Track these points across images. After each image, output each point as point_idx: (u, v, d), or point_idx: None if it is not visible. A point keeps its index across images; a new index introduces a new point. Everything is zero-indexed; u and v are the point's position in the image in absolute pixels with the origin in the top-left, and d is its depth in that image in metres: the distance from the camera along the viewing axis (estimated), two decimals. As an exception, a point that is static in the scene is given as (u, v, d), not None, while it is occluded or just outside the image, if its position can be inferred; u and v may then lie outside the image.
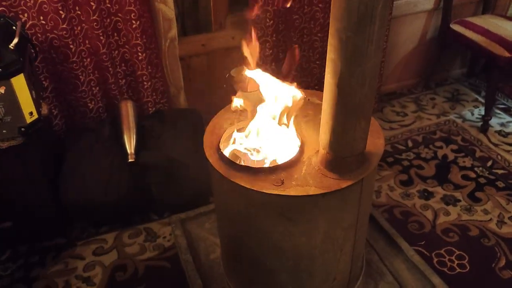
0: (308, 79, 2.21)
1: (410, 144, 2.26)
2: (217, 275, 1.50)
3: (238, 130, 1.10)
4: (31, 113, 1.46)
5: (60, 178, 1.70)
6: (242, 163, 1.03)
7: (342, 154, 0.93)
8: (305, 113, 1.15)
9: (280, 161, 1.01)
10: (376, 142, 1.02)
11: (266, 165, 1.03)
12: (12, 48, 1.37)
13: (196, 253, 1.55)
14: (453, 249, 1.70)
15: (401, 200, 1.93)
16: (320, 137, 0.96)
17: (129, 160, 1.72)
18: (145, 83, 1.98)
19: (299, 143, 1.05)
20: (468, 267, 1.63)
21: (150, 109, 2.04)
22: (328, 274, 1.11)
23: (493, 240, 1.74)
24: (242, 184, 0.95)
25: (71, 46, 1.77)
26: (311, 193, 0.92)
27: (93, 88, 1.93)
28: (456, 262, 1.66)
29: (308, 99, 1.22)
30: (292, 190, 0.93)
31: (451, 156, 2.18)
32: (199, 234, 1.64)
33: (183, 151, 1.78)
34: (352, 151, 0.93)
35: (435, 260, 1.65)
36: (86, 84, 1.89)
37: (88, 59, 1.85)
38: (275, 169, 0.98)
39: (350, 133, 0.89)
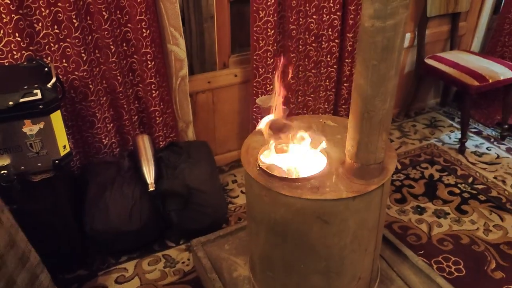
0: (304, 87, 2.39)
1: (399, 166, 2.48)
2: (241, 291, 1.61)
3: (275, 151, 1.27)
4: (64, 146, 1.57)
5: (84, 209, 1.79)
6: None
7: (367, 163, 1.10)
8: (324, 134, 1.33)
9: (313, 173, 1.17)
10: (389, 153, 1.21)
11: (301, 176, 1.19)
12: (50, 87, 1.51)
13: (219, 272, 1.66)
14: (449, 256, 1.88)
15: (398, 216, 2.11)
16: (346, 149, 1.14)
17: (150, 189, 1.83)
18: (157, 118, 2.13)
19: (325, 158, 1.22)
20: (464, 271, 1.81)
21: (161, 142, 2.18)
22: (355, 273, 1.26)
23: (482, 246, 1.93)
24: (283, 193, 1.11)
25: (90, 86, 1.91)
26: (343, 196, 1.09)
27: (108, 125, 2.06)
28: (453, 267, 1.83)
29: (324, 122, 1.40)
30: (327, 195, 1.10)
31: (436, 175, 2.40)
32: (219, 255, 1.75)
33: (199, 179, 1.91)
34: (375, 160, 1.10)
35: (435, 266, 1.82)
36: (102, 121, 2.02)
37: (105, 98, 1.99)
38: (309, 179, 1.14)
39: (374, 144, 1.07)
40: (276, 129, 1.29)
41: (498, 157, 2.56)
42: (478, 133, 2.80)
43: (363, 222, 1.16)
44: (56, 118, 1.50)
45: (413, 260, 1.67)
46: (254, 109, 2.29)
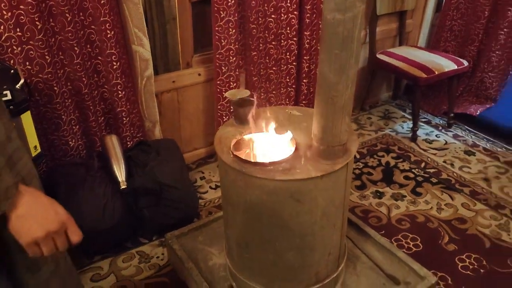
0: (266, 84, 2.48)
1: (357, 156, 2.63)
2: (217, 278, 1.67)
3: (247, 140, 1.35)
4: (35, 147, 1.58)
5: (56, 210, 1.79)
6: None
7: (332, 144, 1.21)
8: (291, 123, 1.43)
9: (283, 157, 1.26)
10: (351, 137, 1.32)
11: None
12: (18, 88, 1.52)
13: (195, 262, 1.72)
14: (407, 233, 2.04)
15: (359, 201, 2.25)
16: (313, 133, 1.24)
17: (121, 187, 1.86)
18: (124, 119, 2.15)
19: (294, 144, 1.32)
20: (421, 246, 1.97)
21: (128, 142, 2.21)
22: (325, 248, 1.36)
23: (436, 223, 2.10)
24: (257, 176, 1.19)
25: (55, 88, 1.91)
26: (312, 176, 1.19)
27: (74, 127, 2.06)
28: (411, 243, 1.99)
29: (290, 112, 1.50)
30: (297, 175, 1.19)
31: (392, 162, 2.57)
32: (194, 246, 1.81)
33: (169, 176, 1.96)
34: (339, 142, 1.21)
35: (395, 244, 1.96)
36: (68, 123, 2.02)
37: (70, 100, 2.00)
38: (280, 163, 1.23)
39: (338, 127, 1.18)
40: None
41: (446, 143, 2.77)
42: (428, 122, 3.01)
43: (331, 199, 1.27)
44: (27, 118, 1.52)
45: (376, 238, 1.80)
46: (219, 107, 2.37)
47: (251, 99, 1.44)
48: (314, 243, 1.32)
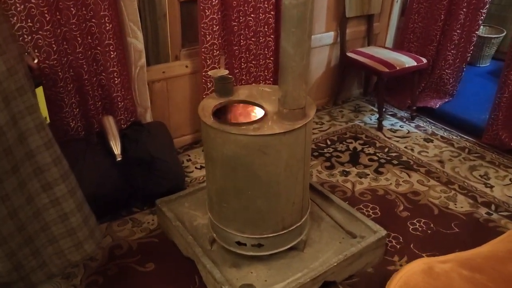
0: (246, 77, 2.78)
1: (328, 142, 2.94)
2: (201, 234, 1.94)
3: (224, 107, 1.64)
4: (45, 118, 1.85)
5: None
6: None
7: (293, 107, 1.50)
8: (262, 97, 1.72)
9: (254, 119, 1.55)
10: (310, 106, 1.62)
11: (244, 123, 1.57)
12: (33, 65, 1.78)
13: (182, 222, 1.98)
14: (368, 204, 2.33)
15: (327, 179, 2.55)
16: (278, 100, 1.53)
17: (118, 159, 2.13)
18: (119, 103, 2.42)
19: (264, 111, 1.61)
20: (380, 213, 2.26)
21: (123, 125, 2.48)
22: (289, 197, 1.65)
23: (393, 195, 2.40)
24: (233, 132, 1.48)
25: (60, 74, 2.19)
26: (277, 132, 1.48)
27: (74, 110, 2.33)
28: (371, 211, 2.28)
29: (262, 89, 1.80)
30: (265, 132, 1.48)
31: (359, 147, 2.88)
32: (181, 210, 2.08)
33: (160, 151, 2.24)
34: (299, 105, 1.50)
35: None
36: (69, 106, 2.29)
37: (72, 85, 2.27)
38: (252, 123, 1.52)
39: (297, 91, 1.48)
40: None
41: (408, 132, 3.09)
42: (394, 115, 3.34)
43: (292, 154, 1.56)
44: (40, 92, 1.78)
45: (337, 202, 2.10)
46: (204, 96, 2.65)
47: (229, 76, 1.73)
48: (279, 191, 1.61)
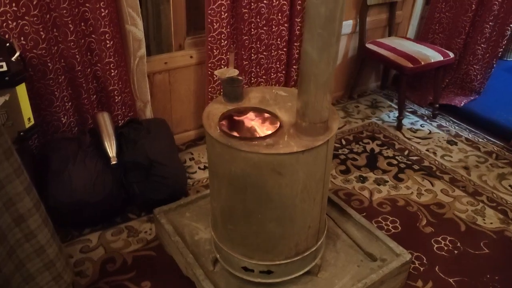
0: (257, 69, 2.54)
1: (344, 142, 2.71)
2: (203, 251, 1.74)
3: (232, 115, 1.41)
4: (29, 119, 1.63)
5: (47, 183, 1.85)
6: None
7: (314, 121, 1.27)
8: (277, 103, 1.49)
9: (268, 133, 1.32)
10: (332, 115, 1.38)
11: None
12: (14, 60, 1.56)
13: (182, 236, 1.78)
14: (387, 216, 2.12)
15: (343, 185, 2.33)
16: (296, 110, 1.30)
17: (112, 162, 1.92)
18: (115, 97, 2.20)
19: (278, 122, 1.38)
20: (400, 228, 2.05)
21: (120, 121, 2.26)
22: (305, 221, 1.43)
23: (415, 207, 2.19)
24: (242, 149, 1.25)
25: (49, 64, 1.96)
26: (294, 150, 1.25)
27: (66, 104, 2.11)
28: (391, 225, 2.07)
29: (276, 93, 1.56)
30: (280, 150, 1.25)
31: (377, 149, 2.65)
32: (181, 221, 1.88)
33: (159, 152, 2.02)
34: (321, 119, 1.28)
35: (375, 225, 2.04)
36: (61, 99, 2.07)
37: (63, 76, 2.04)
38: (265, 138, 1.30)
39: (320, 103, 1.24)
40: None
41: (430, 132, 2.85)
42: (414, 113, 3.09)
43: (311, 174, 1.33)
44: (22, 90, 1.56)
45: (356, 218, 1.88)
46: (209, 89, 2.42)
47: (240, 78, 1.50)
48: (295, 215, 1.39)
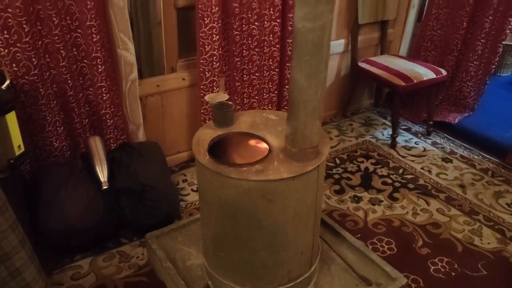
0: (249, 89, 2.55)
1: (338, 161, 2.70)
2: (195, 277, 1.71)
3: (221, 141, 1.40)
4: (19, 147, 1.61)
5: (38, 209, 1.83)
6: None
7: (304, 147, 1.26)
8: (267, 127, 1.48)
9: (257, 159, 1.31)
10: (323, 140, 1.38)
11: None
12: (4, 88, 1.55)
13: (173, 261, 1.75)
14: (383, 237, 2.10)
15: (337, 205, 2.31)
16: (286, 136, 1.29)
17: (103, 188, 1.90)
18: (108, 121, 2.19)
19: (268, 147, 1.37)
20: (396, 249, 2.03)
21: (112, 144, 2.24)
22: (298, 247, 1.41)
23: (411, 228, 2.16)
24: (232, 176, 1.24)
25: (41, 90, 1.95)
26: (284, 177, 1.24)
27: (58, 128, 2.10)
28: (386, 246, 2.04)
29: (267, 116, 1.56)
30: (270, 176, 1.24)
31: (371, 168, 2.64)
32: (173, 246, 1.85)
33: (151, 176, 2.00)
34: (311, 144, 1.27)
35: (370, 247, 2.02)
36: (52, 124, 2.06)
37: (55, 101, 2.03)
38: (254, 164, 1.29)
39: (309, 129, 1.24)
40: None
41: (424, 150, 2.85)
42: (408, 130, 3.09)
43: (302, 200, 1.32)
44: (11, 118, 1.55)
45: (350, 241, 1.86)
46: (202, 111, 2.42)
47: (229, 103, 1.50)
48: (287, 241, 1.37)
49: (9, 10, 1.74)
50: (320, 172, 1.34)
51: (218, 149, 1.38)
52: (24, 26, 1.79)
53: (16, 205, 1.69)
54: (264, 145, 1.38)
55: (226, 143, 1.41)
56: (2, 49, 1.81)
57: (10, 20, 1.76)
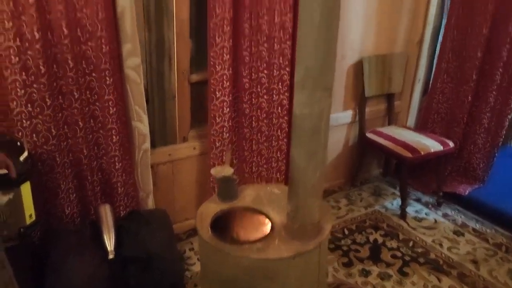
0: (258, 158, 2.60)
1: (346, 232, 2.67)
2: None
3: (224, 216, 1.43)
4: (30, 215, 1.67)
5: (45, 276, 1.84)
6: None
7: (305, 223, 1.29)
8: (271, 202, 1.52)
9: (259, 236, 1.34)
10: (325, 216, 1.40)
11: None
12: (22, 160, 1.64)
13: (175, 336, 1.73)
14: (393, 316, 2.03)
15: (345, 279, 2.26)
16: (287, 214, 1.32)
17: (110, 257, 1.92)
18: (119, 189, 2.25)
19: (270, 223, 1.39)
20: (406, 329, 1.96)
21: (121, 212, 2.29)
22: (299, 327, 1.39)
23: (422, 305, 2.10)
24: (232, 253, 1.26)
25: (57, 159, 2.04)
26: (284, 256, 1.25)
27: (71, 195, 2.15)
28: (396, 326, 1.98)
29: (271, 191, 1.60)
30: (270, 255, 1.26)
31: (380, 240, 2.61)
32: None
33: (158, 245, 2.02)
34: (311, 220, 1.29)
35: (379, 325, 1.96)
36: (66, 191, 2.12)
37: (70, 170, 2.11)
38: (255, 242, 1.31)
39: (309, 207, 1.27)
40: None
41: (435, 222, 2.81)
42: (418, 200, 3.07)
43: (304, 277, 1.32)
44: (26, 188, 1.62)
45: (357, 318, 1.81)
46: (211, 179, 2.47)
47: (234, 177, 1.54)
48: (288, 321, 1.35)
49: (34, 85, 1.87)
50: (323, 249, 1.35)
51: (221, 223, 1.41)
52: (47, 100, 1.91)
53: (24, 274, 1.72)
54: (266, 221, 1.40)
55: (229, 217, 1.44)
56: (24, 121, 1.92)
57: (34, 94, 1.89)
